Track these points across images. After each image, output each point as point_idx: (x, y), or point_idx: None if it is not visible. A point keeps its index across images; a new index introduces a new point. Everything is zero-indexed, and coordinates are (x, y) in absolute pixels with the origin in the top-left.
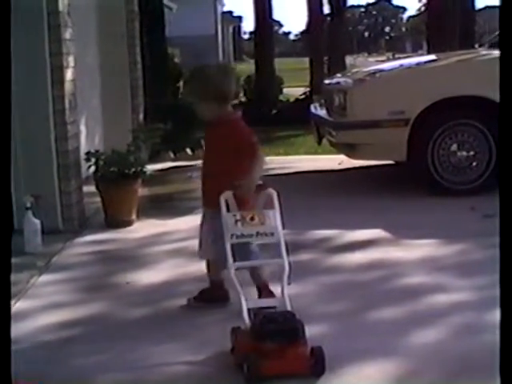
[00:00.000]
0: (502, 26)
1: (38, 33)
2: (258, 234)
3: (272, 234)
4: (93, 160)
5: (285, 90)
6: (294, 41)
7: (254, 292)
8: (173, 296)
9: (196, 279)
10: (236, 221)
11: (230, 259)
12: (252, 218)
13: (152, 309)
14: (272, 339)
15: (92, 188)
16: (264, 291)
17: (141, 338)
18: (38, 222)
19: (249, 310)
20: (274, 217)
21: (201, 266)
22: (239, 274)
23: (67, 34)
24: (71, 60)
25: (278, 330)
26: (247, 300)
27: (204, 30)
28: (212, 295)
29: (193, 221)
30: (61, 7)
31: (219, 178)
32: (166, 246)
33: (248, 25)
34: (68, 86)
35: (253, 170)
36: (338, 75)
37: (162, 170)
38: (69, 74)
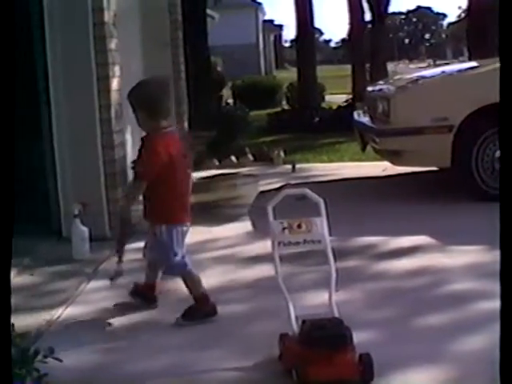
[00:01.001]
0: (501, 26)
1: (85, 43)
2: (305, 241)
3: (319, 242)
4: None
5: (327, 98)
6: (334, 48)
7: (301, 299)
8: (220, 302)
9: (243, 286)
10: (283, 228)
11: (279, 268)
12: (299, 226)
13: None
14: (320, 346)
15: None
16: (199, 301)
17: (189, 344)
18: (85, 229)
19: (296, 316)
20: (321, 224)
21: (248, 273)
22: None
23: (113, 45)
24: (117, 70)
25: (326, 336)
26: (295, 307)
27: (245, 38)
28: (199, 311)
29: (238, 228)
30: (106, 18)
31: None
32: (213, 253)
33: (289, 33)
34: (114, 96)
35: (126, 196)
36: (381, 82)
37: (206, 177)
38: (115, 84)
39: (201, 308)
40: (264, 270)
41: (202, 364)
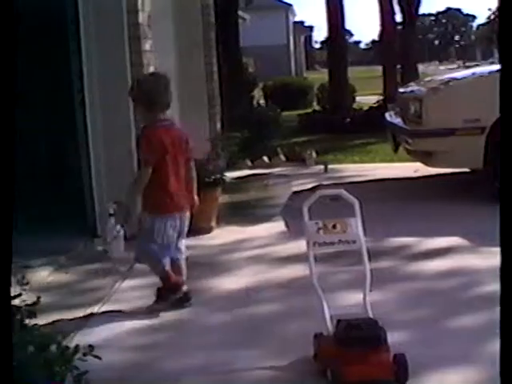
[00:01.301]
0: (501, 28)
1: (119, 44)
2: (340, 241)
3: (354, 242)
4: None
5: (357, 99)
6: (364, 50)
7: (335, 299)
8: (254, 302)
9: (277, 286)
10: (318, 229)
11: (314, 268)
12: (334, 226)
13: (234, 314)
14: (356, 346)
15: None
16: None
17: (224, 342)
18: (120, 228)
19: (331, 316)
20: (356, 225)
21: (282, 273)
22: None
23: (147, 46)
24: (151, 70)
25: (361, 336)
26: (329, 307)
27: (276, 39)
28: (166, 290)
29: (271, 228)
30: (141, 19)
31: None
32: (246, 253)
33: (319, 34)
34: None
35: (131, 183)
36: (413, 84)
37: (239, 177)
38: None
39: (165, 290)
40: (297, 270)
41: (237, 363)
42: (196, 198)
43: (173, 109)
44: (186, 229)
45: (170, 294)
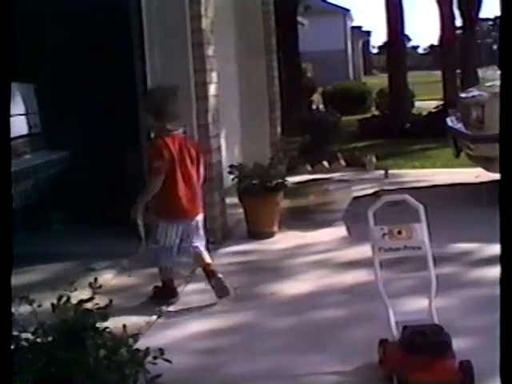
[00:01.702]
0: (502, 30)
1: (183, 50)
2: (405, 247)
3: (419, 248)
4: (236, 173)
5: (416, 104)
6: (422, 55)
7: (400, 304)
8: (318, 307)
9: (340, 291)
10: (383, 234)
11: (379, 273)
12: (399, 232)
13: (298, 319)
14: (422, 352)
15: (232, 199)
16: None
17: (288, 348)
18: None
19: (396, 322)
20: (421, 230)
21: (344, 278)
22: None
23: (210, 51)
24: (214, 76)
25: (427, 343)
26: (394, 313)
27: (334, 44)
28: (162, 292)
29: (333, 233)
30: (204, 25)
31: None
32: (308, 258)
33: (377, 39)
34: (211, 101)
35: (141, 193)
36: (473, 89)
37: (299, 182)
38: (212, 90)
39: (161, 291)
40: (360, 276)
41: (301, 368)
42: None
43: (233, 113)
44: (196, 232)
45: (164, 298)
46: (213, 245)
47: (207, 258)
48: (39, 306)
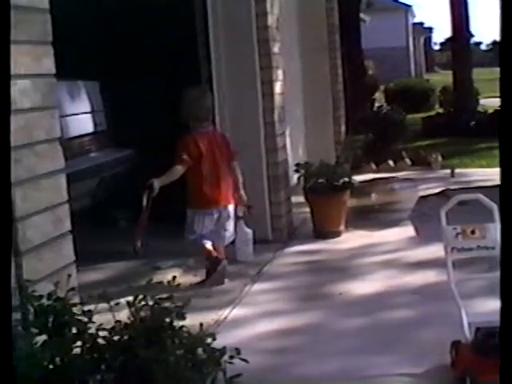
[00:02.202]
0: (502, 31)
1: (249, 47)
2: (478, 247)
3: (493, 248)
4: (302, 171)
5: (481, 101)
6: (485, 51)
7: (471, 305)
8: (387, 308)
9: (409, 291)
10: (457, 234)
11: (452, 274)
12: (473, 232)
13: (367, 320)
14: (495, 354)
15: (297, 198)
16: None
17: (357, 348)
18: (250, 231)
19: (469, 323)
20: (495, 230)
21: (413, 279)
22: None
23: (276, 48)
24: (280, 73)
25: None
26: (468, 314)
27: (396, 41)
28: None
29: (400, 232)
30: (270, 22)
31: None
32: (376, 258)
33: (438, 36)
34: (277, 99)
35: (163, 175)
36: None
37: (364, 181)
38: (278, 87)
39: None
40: (429, 276)
41: (372, 369)
42: (243, 194)
43: (297, 111)
44: (228, 221)
45: (213, 271)
46: (278, 244)
47: (216, 252)
48: (117, 303)
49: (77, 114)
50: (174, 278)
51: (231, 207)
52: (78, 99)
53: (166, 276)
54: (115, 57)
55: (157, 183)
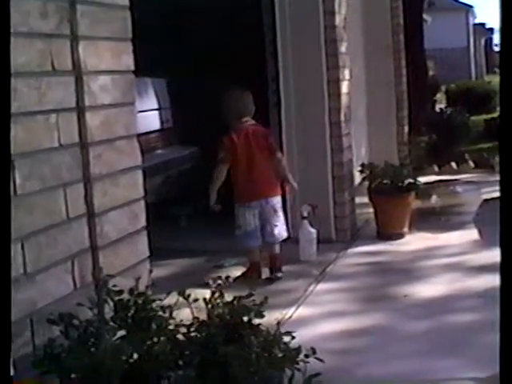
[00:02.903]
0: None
1: (316, 46)
2: None
3: None
4: (367, 172)
5: None
6: None
7: None
8: (452, 311)
9: (474, 295)
10: None
11: None
12: None
13: (432, 323)
14: None
15: (360, 199)
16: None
17: (423, 351)
18: (314, 231)
19: None
20: None
21: (477, 282)
22: None
23: (343, 48)
24: (346, 73)
25: None
26: None
27: (456, 42)
28: (248, 273)
29: (464, 235)
30: (337, 21)
31: None
32: (440, 260)
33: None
34: (344, 99)
35: (210, 183)
36: None
37: (426, 183)
38: (344, 87)
39: (248, 273)
40: (494, 280)
41: (438, 373)
42: (291, 181)
43: (361, 111)
44: (274, 214)
45: (249, 273)
46: (341, 244)
47: (277, 249)
48: (195, 300)
49: (144, 111)
50: (228, 277)
51: (275, 200)
52: (145, 96)
53: (230, 274)
54: (182, 54)
55: (212, 196)
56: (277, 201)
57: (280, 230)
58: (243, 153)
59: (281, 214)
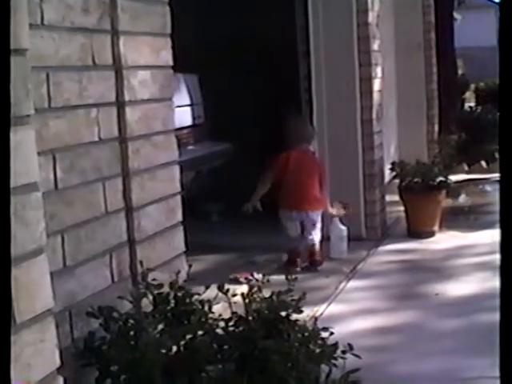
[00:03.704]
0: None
1: (348, 44)
2: None
3: None
4: (398, 170)
5: None
6: None
7: None
8: (483, 310)
9: None
10: None
11: None
12: None
13: (464, 322)
14: None
15: (390, 197)
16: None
17: (455, 350)
18: (344, 228)
19: None
20: None
21: None
22: None
23: (375, 46)
24: (379, 71)
25: None
26: None
27: (485, 40)
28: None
29: (494, 235)
30: (370, 19)
31: None
32: (471, 259)
33: None
34: (376, 97)
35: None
36: None
37: (456, 182)
38: (376, 85)
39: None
40: None
41: (470, 371)
42: (326, 203)
43: (391, 109)
44: (313, 226)
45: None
46: (372, 242)
47: (317, 254)
48: (234, 295)
49: (177, 107)
50: (264, 275)
51: (315, 214)
52: (178, 91)
53: (261, 271)
54: (215, 51)
55: (252, 202)
56: (316, 215)
57: (312, 237)
58: (293, 171)
59: (319, 225)
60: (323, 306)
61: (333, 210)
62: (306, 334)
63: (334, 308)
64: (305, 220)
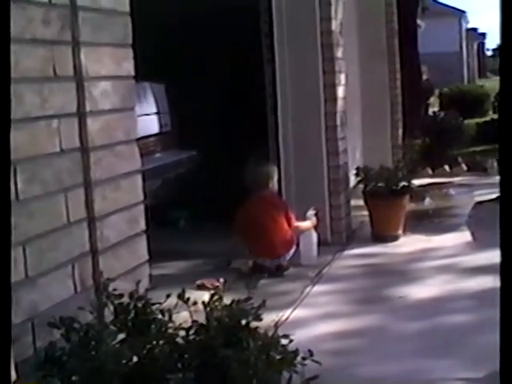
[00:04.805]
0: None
1: (312, 51)
2: None
3: None
4: (362, 175)
5: None
6: None
7: None
8: (445, 312)
9: (467, 296)
10: None
11: None
12: None
13: (427, 324)
14: None
15: (354, 202)
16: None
17: (417, 352)
18: (315, 234)
19: None
20: None
21: (471, 284)
22: None
23: (339, 53)
24: (342, 78)
25: None
26: None
27: (449, 46)
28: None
29: (457, 238)
30: (334, 27)
31: None
32: (434, 262)
33: (491, 42)
34: (340, 103)
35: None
36: None
37: (420, 186)
38: (340, 92)
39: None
40: (487, 282)
41: (432, 373)
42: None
43: (355, 115)
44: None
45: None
46: (337, 246)
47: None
48: (194, 303)
49: (143, 115)
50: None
51: (288, 254)
52: (144, 100)
53: (229, 276)
54: (180, 59)
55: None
56: (291, 252)
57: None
58: (256, 222)
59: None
60: (288, 311)
61: (308, 224)
62: (266, 341)
63: (299, 312)
64: (280, 261)
